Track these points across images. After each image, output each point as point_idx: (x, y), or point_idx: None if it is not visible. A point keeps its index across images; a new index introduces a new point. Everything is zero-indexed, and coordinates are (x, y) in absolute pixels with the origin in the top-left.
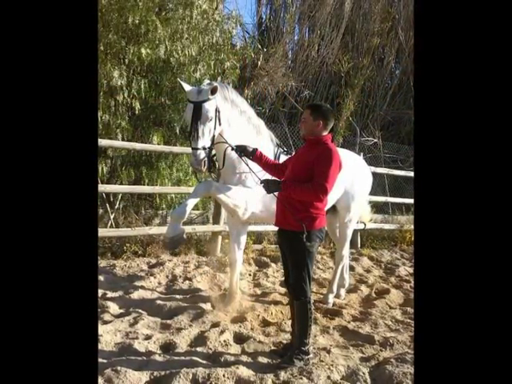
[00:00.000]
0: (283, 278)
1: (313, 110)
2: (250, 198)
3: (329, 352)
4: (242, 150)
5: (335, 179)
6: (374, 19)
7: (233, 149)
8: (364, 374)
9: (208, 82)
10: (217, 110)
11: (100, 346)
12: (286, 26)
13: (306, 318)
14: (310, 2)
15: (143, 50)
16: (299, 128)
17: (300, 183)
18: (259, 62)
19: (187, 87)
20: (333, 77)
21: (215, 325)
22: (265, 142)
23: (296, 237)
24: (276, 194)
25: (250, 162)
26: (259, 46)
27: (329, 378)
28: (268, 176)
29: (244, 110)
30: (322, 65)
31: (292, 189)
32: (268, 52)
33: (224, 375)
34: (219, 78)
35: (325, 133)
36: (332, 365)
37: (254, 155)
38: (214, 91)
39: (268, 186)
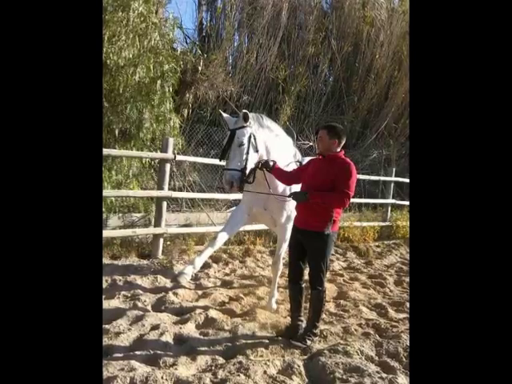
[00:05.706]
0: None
1: (329, 131)
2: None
3: (266, 347)
4: (264, 166)
5: (354, 187)
6: (309, 29)
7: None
8: (299, 366)
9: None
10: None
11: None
12: (225, 33)
13: (320, 305)
14: (248, 11)
15: None
16: (316, 144)
17: (326, 192)
18: (199, 67)
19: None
20: (270, 83)
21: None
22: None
23: (318, 236)
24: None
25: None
26: (200, 52)
27: (265, 372)
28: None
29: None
30: (260, 71)
31: (320, 197)
32: (208, 58)
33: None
34: (159, 82)
35: (339, 149)
36: (268, 360)
37: (273, 168)
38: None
39: (297, 197)
